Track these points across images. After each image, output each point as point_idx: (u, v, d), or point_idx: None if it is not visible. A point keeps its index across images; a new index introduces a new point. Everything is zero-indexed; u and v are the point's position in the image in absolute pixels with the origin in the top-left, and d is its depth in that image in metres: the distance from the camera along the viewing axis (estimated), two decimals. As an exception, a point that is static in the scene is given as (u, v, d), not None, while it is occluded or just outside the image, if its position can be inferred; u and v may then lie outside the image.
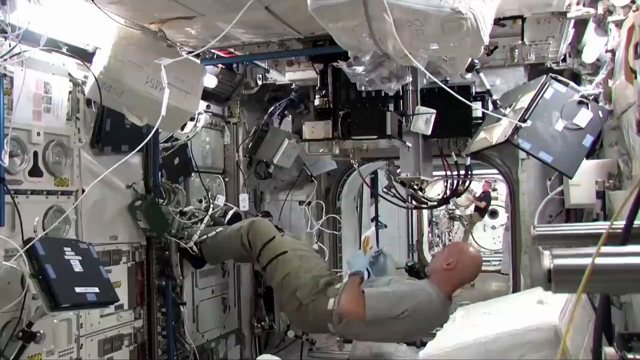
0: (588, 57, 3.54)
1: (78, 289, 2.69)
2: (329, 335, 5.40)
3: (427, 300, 3.55)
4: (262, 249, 3.92)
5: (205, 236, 4.09)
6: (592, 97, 3.26)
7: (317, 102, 3.76)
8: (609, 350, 1.42)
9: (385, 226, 7.38)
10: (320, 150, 3.92)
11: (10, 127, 2.70)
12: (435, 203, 4.69)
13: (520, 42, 3.39)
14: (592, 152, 3.49)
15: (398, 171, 3.82)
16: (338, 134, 3.69)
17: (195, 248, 4.00)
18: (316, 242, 5.09)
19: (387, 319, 3.50)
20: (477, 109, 3.86)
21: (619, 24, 2.74)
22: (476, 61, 3.26)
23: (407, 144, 3.73)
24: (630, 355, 1.43)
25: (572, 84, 3.26)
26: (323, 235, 5.36)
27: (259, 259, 3.96)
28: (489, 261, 10.40)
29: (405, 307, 3.47)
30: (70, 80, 3.18)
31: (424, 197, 4.24)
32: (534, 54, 3.77)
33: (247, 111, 4.98)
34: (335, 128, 3.70)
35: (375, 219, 6.96)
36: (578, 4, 2.98)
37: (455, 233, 11.75)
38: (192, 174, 4.32)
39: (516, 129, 3.03)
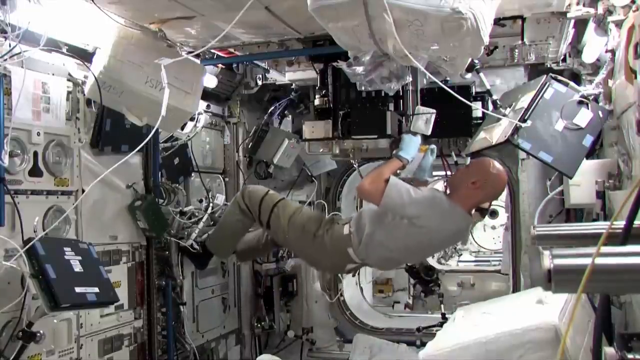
0: (588, 57, 3.54)
1: (78, 289, 2.69)
2: (329, 335, 5.42)
3: (447, 211, 3.39)
4: (261, 205, 3.88)
5: (206, 235, 4.11)
6: (592, 97, 3.26)
7: (317, 101, 3.76)
8: (609, 350, 1.42)
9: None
10: (320, 150, 3.92)
11: (10, 127, 2.70)
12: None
13: (520, 42, 3.40)
14: (592, 152, 3.49)
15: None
16: (338, 134, 3.69)
17: (195, 245, 4.01)
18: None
19: (399, 219, 3.38)
20: (477, 109, 3.86)
21: (619, 24, 2.74)
22: (476, 61, 3.26)
23: (408, 143, 3.72)
24: (630, 355, 1.43)
25: (572, 84, 3.26)
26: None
27: (261, 217, 3.89)
28: (489, 261, 10.40)
29: (420, 212, 3.33)
30: (69, 80, 3.18)
31: (424, 197, 4.23)
32: (534, 54, 3.77)
33: (247, 111, 4.98)
34: (335, 128, 3.70)
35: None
36: (578, 4, 2.99)
37: (455, 233, 11.73)
38: (192, 174, 4.33)
39: (516, 129, 3.03)
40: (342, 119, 3.67)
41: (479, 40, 2.34)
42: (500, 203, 11.20)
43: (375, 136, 3.59)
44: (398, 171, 3.53)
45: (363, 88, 3.31)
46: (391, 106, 3.63)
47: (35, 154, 2.97)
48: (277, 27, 3.24)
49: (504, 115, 3.21)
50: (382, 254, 3.56)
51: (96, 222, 3.38)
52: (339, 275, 5.50)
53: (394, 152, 3.52)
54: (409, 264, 5.79)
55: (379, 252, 3.55)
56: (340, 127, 3.67)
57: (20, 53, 2.68)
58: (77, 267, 2.78)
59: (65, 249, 2.81)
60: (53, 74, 3.06)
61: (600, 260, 1.22)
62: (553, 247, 1.31)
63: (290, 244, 4.02)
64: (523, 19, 3.10)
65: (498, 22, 2.98)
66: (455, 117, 3.78)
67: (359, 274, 6.05)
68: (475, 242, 11.67)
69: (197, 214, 4.18)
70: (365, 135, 3.63)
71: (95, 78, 3.00)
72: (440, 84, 2.90)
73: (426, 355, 3.29)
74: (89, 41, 3.23)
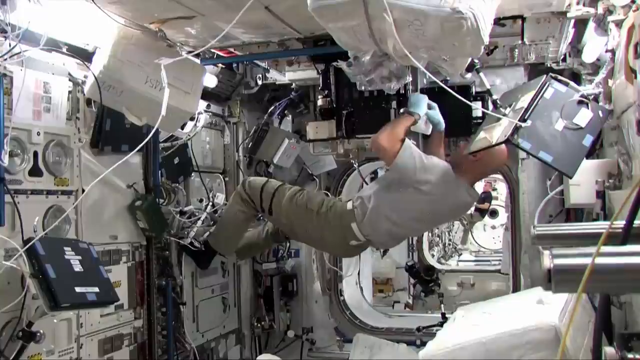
0: (588, 56, 3.53)
1: (78, 289, 2.69)
2: (329, 335, 5.42)
3: (453, 182, 3.46)
4: (262, 192, 3.92)
5: (207, 233, 4.12)
6: (592, 96, 3.26)
7: (320, 102, 3.76)
8: (609, 350, 1.42)
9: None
10: (325, 150, 3.93)
11: (10, 127, 2.70)
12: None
13: (520, 42, 3.40)
14: (592, 152, 3.49)
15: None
16: (342, 133, 3.69)
17: (195, 243, 4.02)
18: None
19: (404, 188, 3.43)
20: (477, 108, 3.86)
21: (619, 24, 2.74)
22: (476, 61, 3.26)
23: (408, 143, 3.72)
24: (630, 355, 1.43)
25: (572, 83, 3.25)
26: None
27: (263, 204, 3.92)
28: (488, 261, 10.42)
29: (429, 178, 3.39)
30: (70, 80, 3.18)
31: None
32: (534, 54, 3.78)
33: (247, 111, 4.99)
34: (339, 127, 3.70)
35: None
36: (578, 3, 2.99)
37: (455, 232, 11.77)
38: (192, 174, 4.33)
39: (516, 129, 3.02)
40: (345, 119, 3.68)
41: (479, 40, 2.34)
42: (500, 203, 11.25)
43: (380, 134, 3.58)
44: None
45: (363, 88, 3.31)
46: (394, 104, 3.64)
47: (35, 153, 2.97)
48: (277, 27, 3.23)
49: (504, 115, 3.20)
50: (387, 228, 3.61)
51: (96, 222, 3.38)
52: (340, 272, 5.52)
53: (404, 109, 3.51)
54: (410, 261, 5.81)
55: (384, 226, 3.59)
56: (345, 127, 3.68)
57: (20, 53, 2.68)
58: (77, 267, 2.78)
59: (65, 248, 2.81)
60: (53, 74, 3.06)
61: (600, 260, 1.22)
62: (553, 247, 1.31)
63: (293, 226, 3.98)
64: (523, 18, 3.10)
65: (498, 21, 2.99)
66: (455, 117, 3.78)
67: (359, 273, 6.08)
68: (475, 242, 11.70)
69: (197, 213, 4.19)
70: (370, 134, 3.63)
71: (95, 78, 3.00)
72: (441, 83, 2.90)
73: (426, 355, 3.29)
74: (89, 41, 3.24)
